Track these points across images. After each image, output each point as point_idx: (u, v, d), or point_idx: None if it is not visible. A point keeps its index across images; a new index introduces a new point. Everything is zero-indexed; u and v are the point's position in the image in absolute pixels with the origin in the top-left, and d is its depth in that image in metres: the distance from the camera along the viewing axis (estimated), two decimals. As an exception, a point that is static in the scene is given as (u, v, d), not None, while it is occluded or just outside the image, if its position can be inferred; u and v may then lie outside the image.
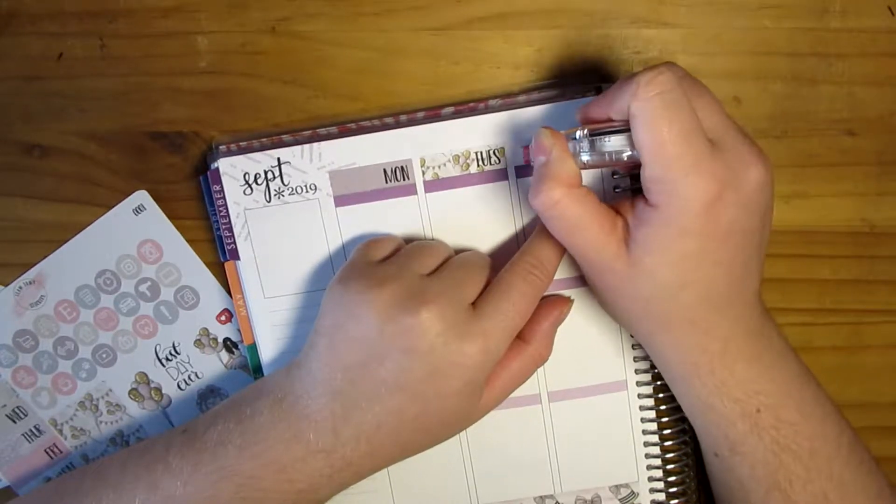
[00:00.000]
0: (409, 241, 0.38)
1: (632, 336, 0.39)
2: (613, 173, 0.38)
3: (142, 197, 0.41)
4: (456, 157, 0.38)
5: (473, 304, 0.34)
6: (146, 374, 0.42)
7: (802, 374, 0.35)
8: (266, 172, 0.38)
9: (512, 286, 0.34)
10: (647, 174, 0.31)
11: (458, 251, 0.37)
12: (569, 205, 0.32)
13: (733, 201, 0.30)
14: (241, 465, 0.33)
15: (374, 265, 0.35)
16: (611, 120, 0.32)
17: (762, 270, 0.34)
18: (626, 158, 0.32)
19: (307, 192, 0.38)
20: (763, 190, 0.31)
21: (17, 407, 0.43)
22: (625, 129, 0.31)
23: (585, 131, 0.32)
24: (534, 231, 0.37)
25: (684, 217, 0.30)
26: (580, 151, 0.32)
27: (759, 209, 0.32)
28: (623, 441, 0.40)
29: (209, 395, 0.43)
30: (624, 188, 0.38)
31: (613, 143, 0.32)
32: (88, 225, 0.41)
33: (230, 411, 0.35)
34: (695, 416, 0.35)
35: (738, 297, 0.33)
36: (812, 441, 0.33)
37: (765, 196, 0.32)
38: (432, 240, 0.38)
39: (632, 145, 0.31)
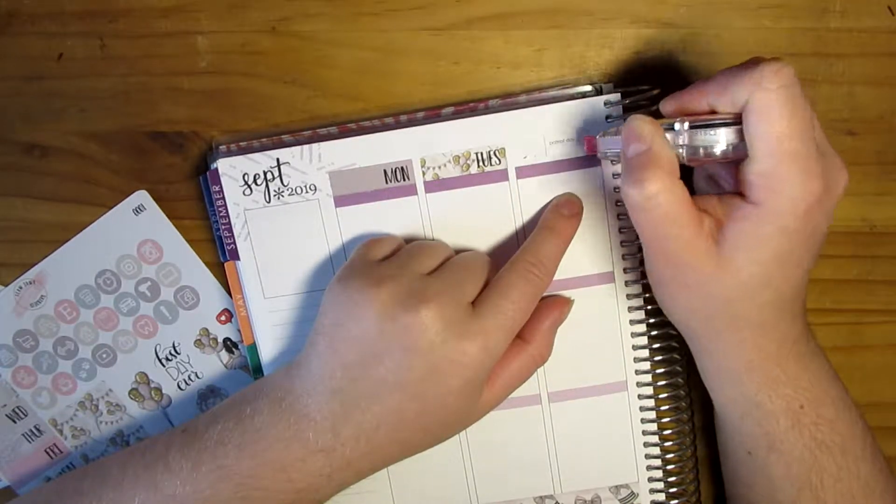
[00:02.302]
0: (409, 241, 0.38)
1: (634, 336, 0.39)
2: (613, 174, 0.38)
3: (142, 197, 0.41)
4: (456, 158, 0.38)
5: (473, 303, 0.34)
6: (146, 374, 0.42)
7: (835, 374, 0.35)
8: (265, 173, 0.38)
9: (512, 285, 0.34)
10: (755, 169, 0.30)
11: (458, 251, 0.37)
12: (669, 196, 0.30)
13: (826, 206, 0.31)
14: (240, 465, 0.33)
15: (373, 264, 0.35)
16: (712, 112, 0.31)
17: None
18: (719, 154, 0.30)
19: (307, 192, 0.38)
20: (841, 197, 0.32)
21: (17, 407, 0.43)
22: (733, 122, 0.30)
23: (686, 124, 0.31)
24: (534, 230, 0.37)
25: (787, 215, 0.30)
26: (677, 145, 0.31)
27: (832, 215, 0.32)
28: (623, 441, 0.40)
29: (209, 395, 0.43)
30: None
31: (718, 136, 0.30)
32: (88, 225, 0.41)
33: (230, 411, 0.35)
34: (734, 415, 0.35)
35: (799, 299, 0.33)
36: (844, 439, 0.34)
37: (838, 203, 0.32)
38: (432, 240, 0.38)
39: (737, 139, 0.30)
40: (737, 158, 0.31)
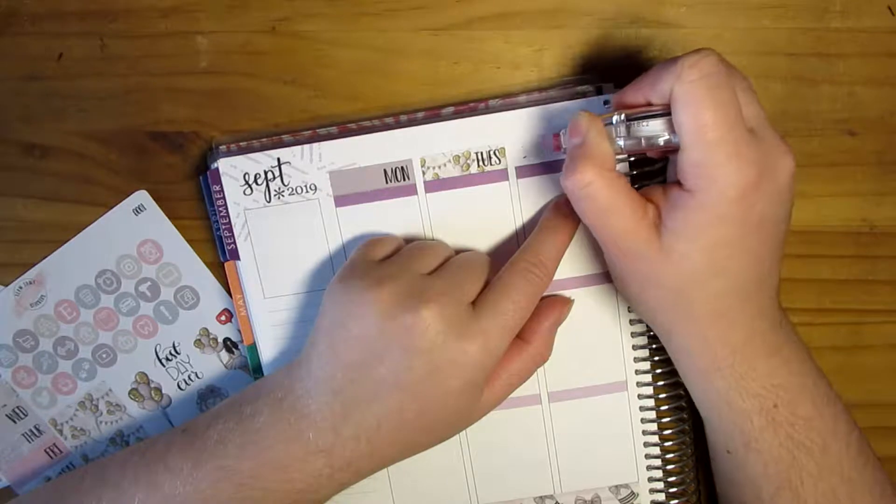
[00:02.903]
0: (409, 241, 0.38)
1: (634, 336, 0.39)
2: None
3: (142, 197, 0.41)
4: (456, 158, 0.38)
5: (473, 303, 0.34)
6: (146, 374, 0.42)
7: (816, 370, 0.35)
8: (266, 173, 0.38)
9: (512, 285, 0.34)
10: (685, 158, 0.30)
11: (459, 251, 0.37)
12: (601, 186, 0.31)
13: (767, 191, 0.31)
14: (240, 465, 0.33)
15: (374, 264, 0.35)
16: (649, 105, 0.32)
17: (781, 266, 0.34)
18: (661, 143, 0.32)
19: (307, 192, 0.38)
20: (792, 182, 0.32)
21: (17, 407, 0.43)
22: (663, 113, 0.31)
23: (622, 116, 0.32)
24: (534, 230, 0.37)
25: (721, 202, 0.30)
26: (616, 136, 0.32)
27: (787, 201, 0.32)
28: (623, 441, 0.40)
29: (209, 395, 0.43)
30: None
31: (652, 127, 0.32)
32: (88, 225, 0.41)
33: (230, 411, 0.35)
34: (710, 412, 0.35)
35: (764, 290, 0.33)
36: (825, 437, 0.33)
37: (792, 189, 0.32)
38: (432, 240, 0.38)
39: (670, 130, 0.31)
40: (675, 148, 0.31)
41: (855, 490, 0.33)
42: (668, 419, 0.40)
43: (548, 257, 0.35)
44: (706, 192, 0.30)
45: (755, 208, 0.31)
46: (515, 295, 0.34)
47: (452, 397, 0.33)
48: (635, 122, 0.32)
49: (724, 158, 0.30)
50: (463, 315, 0.33)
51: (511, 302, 0.34)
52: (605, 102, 0.37)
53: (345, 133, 0.38)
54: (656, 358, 0.39)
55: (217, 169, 0.38)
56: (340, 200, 0.38)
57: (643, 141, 0.32)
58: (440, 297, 0.33)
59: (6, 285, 0.42)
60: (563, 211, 0.37)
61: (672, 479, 0.41)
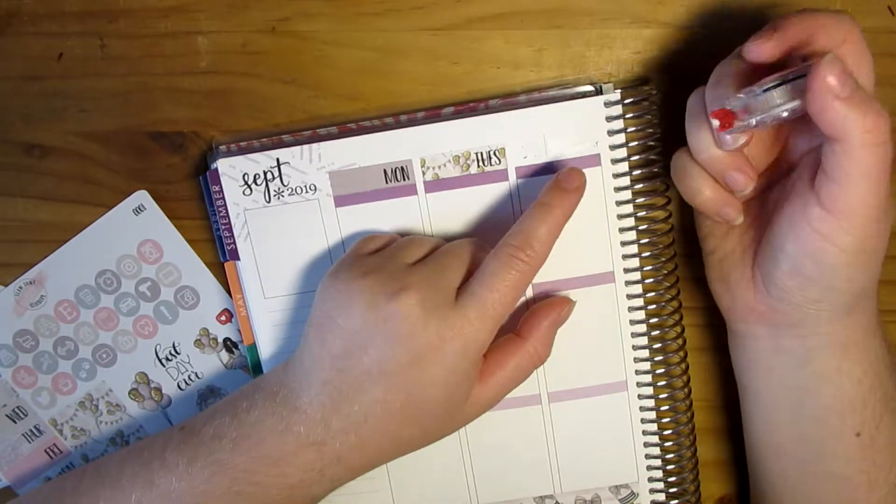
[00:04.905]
0: (406, 240, 0.38)
1: (634, 336, 0.39)
2: (614, 174, 0.37)
3: (142, 197, 0.41)
4: (456, 158, 0.38)
5: (460, 290, 0.34)
6: (146, 374, 0.42)
7: None
8: (265, 173, 0.38)
9: (494, 273, 0.33)
10: (833, 194, 0.30)
11: None
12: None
13: None
14: (235, 459, 0.33)
15: (363, 257, 0.35)
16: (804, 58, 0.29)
17: None
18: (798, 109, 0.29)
19: (307, 192, 0.38)
20: None
21: (17, 407, 0.43)
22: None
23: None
24: (523, 214, 0.35)
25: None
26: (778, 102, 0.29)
27: None
28: (623, 441, 0.40)
29: (209, 395, 0.43)
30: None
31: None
32: (88, 225, 0.41)
33: (227, 407, 0.35)
34: (851, 386, 0.34)
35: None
36: None
37: None
38: (425, 235, 0.38)
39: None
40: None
41: None
42: (667, 419, 0.40)
43: (537, 239, 0.34)
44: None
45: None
46: (497, 282, 0.33)
47: (437, 387, 0.33)
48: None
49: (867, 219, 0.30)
50: (444, 302, 0.33)
51: (491, 290, 0.33)
52: (606, 103, 0.37)
53: (345, 133, 0.38)
54: (656, 358, 0.39)
55: (217, 169, 0.38)
56: (340, 200, 0.38)
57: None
58: (421, 283, 0.33)
59: (6, 285, 0.42)
60: (563, 185, 0.35)
61: (672, 479, 0.41)
